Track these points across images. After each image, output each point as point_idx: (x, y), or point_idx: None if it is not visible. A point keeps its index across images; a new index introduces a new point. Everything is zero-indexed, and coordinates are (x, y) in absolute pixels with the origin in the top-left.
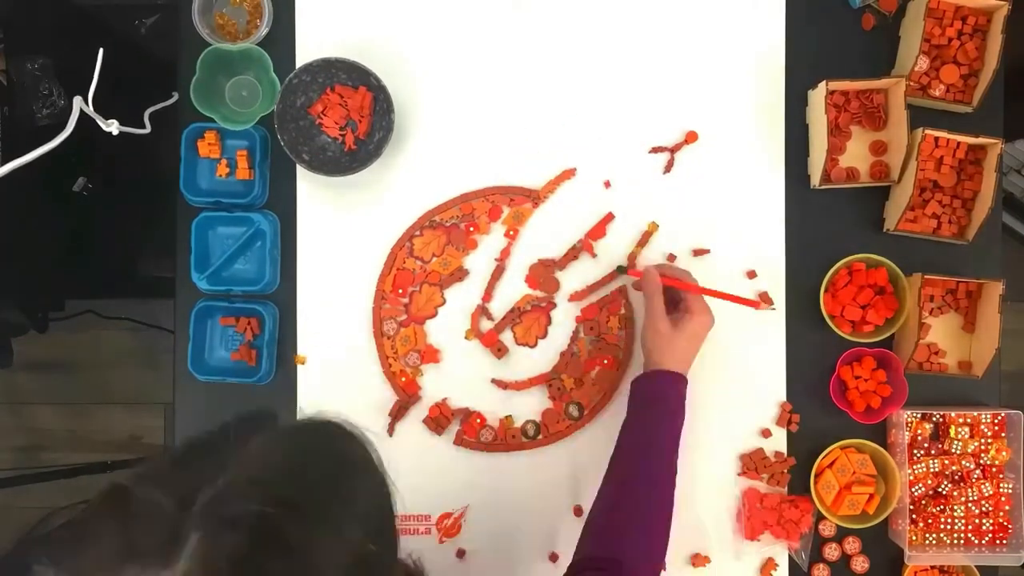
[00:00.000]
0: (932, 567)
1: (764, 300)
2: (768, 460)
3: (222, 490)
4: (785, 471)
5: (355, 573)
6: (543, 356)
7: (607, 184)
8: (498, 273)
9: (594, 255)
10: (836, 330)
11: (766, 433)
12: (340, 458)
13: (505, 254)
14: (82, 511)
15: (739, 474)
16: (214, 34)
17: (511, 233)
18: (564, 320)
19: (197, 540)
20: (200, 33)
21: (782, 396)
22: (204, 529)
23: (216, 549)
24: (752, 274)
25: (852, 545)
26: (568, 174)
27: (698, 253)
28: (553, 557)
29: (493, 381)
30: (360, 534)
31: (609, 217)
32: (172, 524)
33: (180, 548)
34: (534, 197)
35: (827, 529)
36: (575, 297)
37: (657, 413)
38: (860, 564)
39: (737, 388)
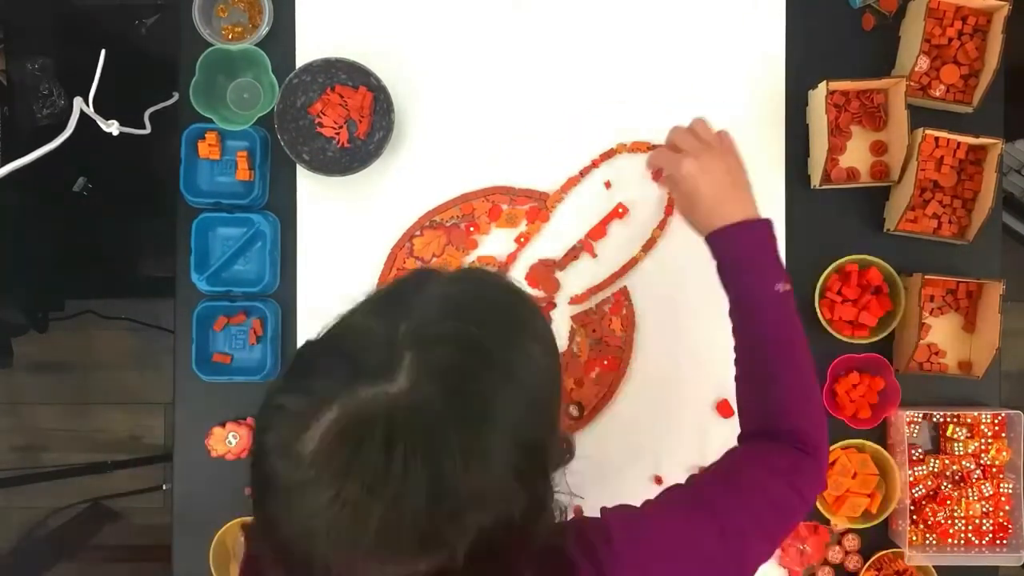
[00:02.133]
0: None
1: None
2: None
3: (421, 318)
4: None
5: (545, 385)
6: None
7: (607, 184)
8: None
9: (594, 255)
10: (835, 333)
11: None
12: (508, 289)
13: (511, 258)
14: (307, 348)
15: None
16: (215, 34)
17: (522, 239)
18: (564, 320)
19: (410, 358)
20: (200, 33)
21: None
22: (415, 349)
23: (429, 362)
24: None
25: (851, 542)
26: (574, 181)
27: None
28: None
29: None
30: (541, 354)
31: (613, 214)
32: (388, 346)
33: (399, 365)
34: (536, 198)
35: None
36: (576, 300)
37: (739, 276)
38: (854, 562)
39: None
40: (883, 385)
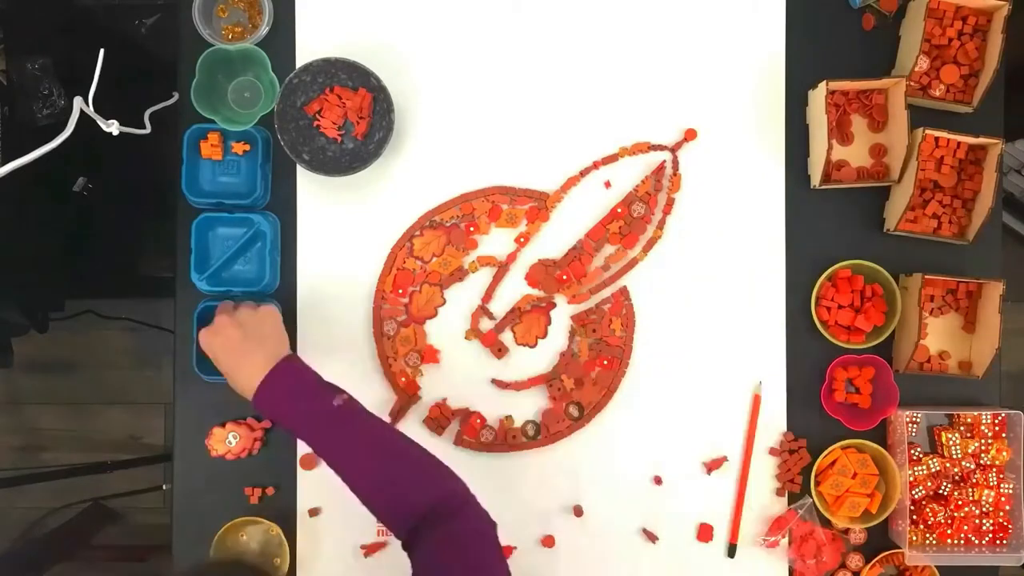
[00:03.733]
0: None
1: None
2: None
3: None
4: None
5: None
6: (543, 356)
7: (607, 184)
8: (500, 274)
9: (593, 255)
10: (831, 339)
11: (773, 452)
12: None
13: (511, 258)
14: None
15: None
16: (215, 34)
17: (522, 240)
18: (564, 320)
19: None
20: (201, 33)
21: (783, 397)
22: None
23: None
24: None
25: (858, 536)
26: (574, 181)
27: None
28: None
29: (493, 381)
30: None
31: (613, 214)
32: None
33: None
34: (536, 198)
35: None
36: (576, 300)
37: (304, 416)
38: (855, 561)
39: (735, 389)
40: (882, 385)
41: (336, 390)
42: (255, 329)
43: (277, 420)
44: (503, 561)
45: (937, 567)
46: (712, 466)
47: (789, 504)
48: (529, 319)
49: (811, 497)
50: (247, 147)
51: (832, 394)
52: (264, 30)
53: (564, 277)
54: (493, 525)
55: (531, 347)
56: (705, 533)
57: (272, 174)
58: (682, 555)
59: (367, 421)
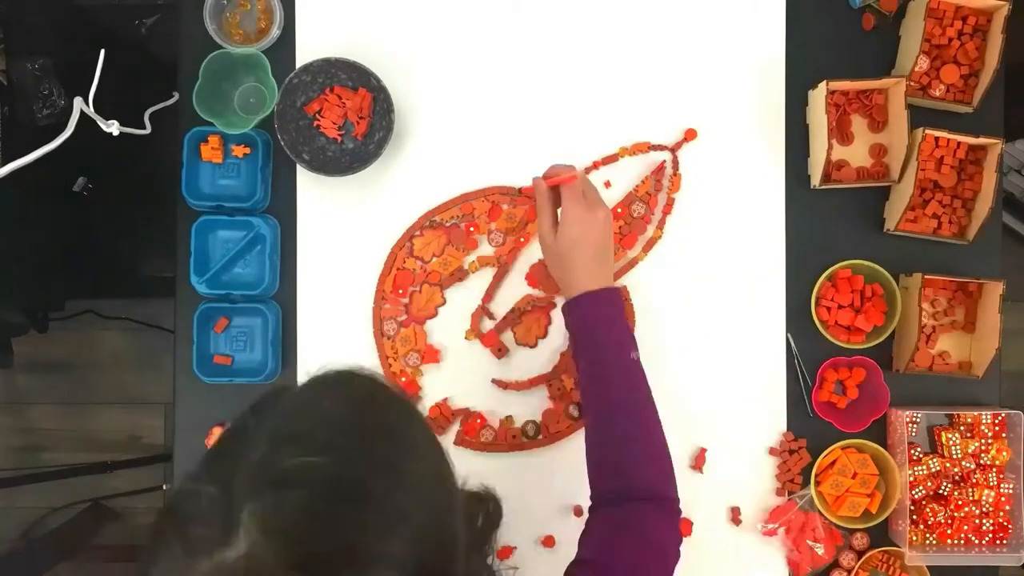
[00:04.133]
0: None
1: None
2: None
3: (258, 462)
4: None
5: (434, 505)
6: (543, 356)
7: (607, 184)
8: (500, 274)
9: None
10: (831, 338)
11: (773, 452)
12: (366, 398)
13: (511, 258)
14: (153, 526)
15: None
16: (227, 38)
17: (522, 240)
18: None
19: (249, 512)
20: (213, 37)
21: (782, 397)
22: (252, 500)
23: (270, 515)
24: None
25: (860, 541)
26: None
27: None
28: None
29: (493, 381)
30: (421, 472)
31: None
32: (222, 508)
33: (236, 525)
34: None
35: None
36: None
37: (597, 343)
38: (848, 560)
39: (735, 389)
40: (873, 387)
41: (635, 345)
42: (612, 246)
43: (576, 328)
44: None
45: (937, 567)
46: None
47: (789, 495)
48: (529, 319)
49: (810, 488)
50: (247, 150)
51: (822, 396)
52: (276, 32)
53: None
54: (677, 554)
55: (531, 347)
56: (687, 528)
57: (272, 176)
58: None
59: (645, 388)
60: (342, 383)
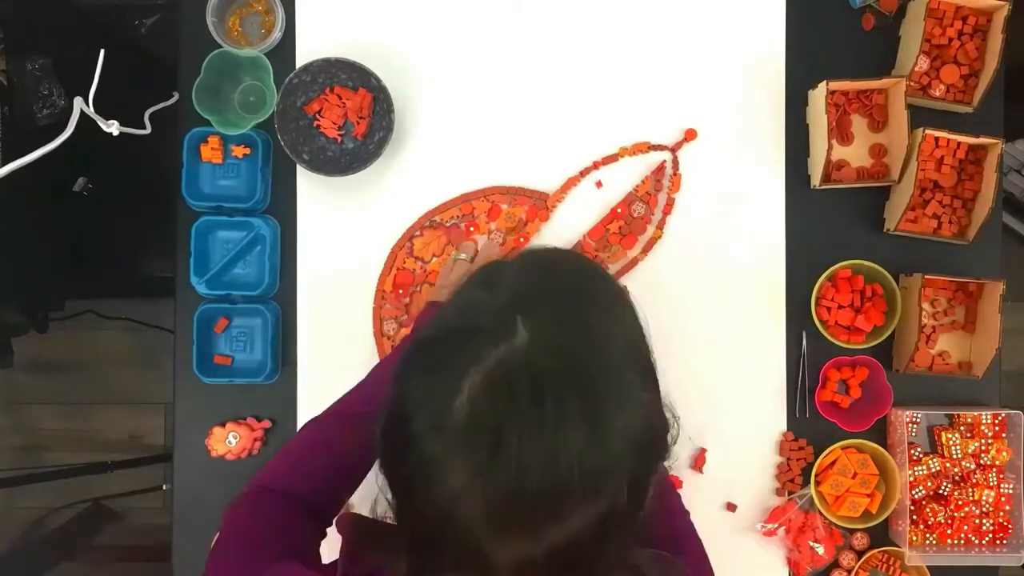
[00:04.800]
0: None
1: None
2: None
3: (515, 286)
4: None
5: (640, 334)
6: None
7: (599, 184)
8: None
9: (594, 255)
10: (832, 339)
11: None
12: (575, 259)
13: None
14: (425, 333)
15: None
16: (227, 38)
17: (521, 240)
18: None
19: (521, 317)
20: (215, 37)
21: (783, 397)
22: (520, 309)
23: (538, 314)
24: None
25: (860, 541)
26: (574, 181)
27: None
28: None
29: None
30: (628, 307)
31: (612, 214)
32: (498, 310)
33: (514, 323)
34: (536, 198)
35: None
36: None
37: None
38: (848, 559)
39: (735, 390)
40: (876, 386)
41: None
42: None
43: None
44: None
45: (937, 567)
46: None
47: (789, 495)
48: None
49: (810, 488)
50: (247, 150)
51: (825, 395)
52: (278, 35)
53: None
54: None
55: None
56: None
57: (272, 176)
58: None
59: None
60: (558, 250)
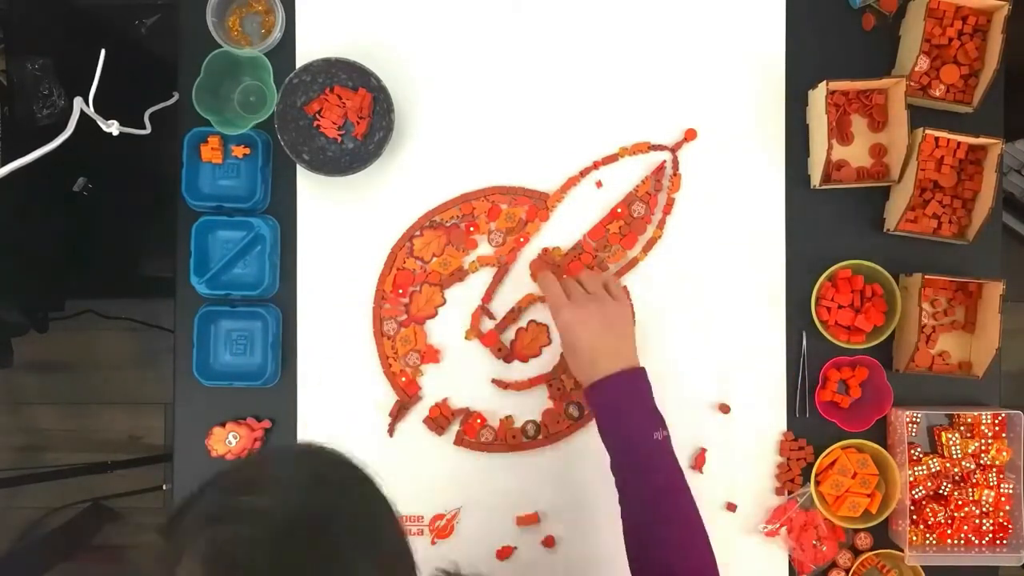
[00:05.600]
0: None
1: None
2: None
3: (203, 506)
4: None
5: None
6: (544, 358)
7: (599, 184)
8: (500, 274)
9: (593, 255)
10: (831, 339)
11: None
12: (317, 460)
13: (511, 258)
14: None
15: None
16: (228, 39)
17: (521, 240)
18: None
19: (188, 552)
20: (215, 37)
21: (783, 397)
22: (193, 539)
23: (209, 550)
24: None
25: (864, 541)
26: (574, 181)
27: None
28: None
29: (493, 381)
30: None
31: (612, 215)
32: (167, 552)
33: (176, 564)
34: (536, 198)
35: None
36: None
37: (616, 429)
38: (845, 559)
39: (735, 389)
40: (876, 386)
41: (662, 423)
42: (619, 322)
43: (597, 412)
44: None
45: (937, 567)
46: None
47: (789, 494)
48: (530, 333)
49: (810, 486)
50: (247, 150)
51: (825, 395)
52: (278, 35)
53: (564, 277)
54: None
55: (536, 357)
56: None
57: (272, 177)
58: None
59: (672, 465)
60: (286, 452)
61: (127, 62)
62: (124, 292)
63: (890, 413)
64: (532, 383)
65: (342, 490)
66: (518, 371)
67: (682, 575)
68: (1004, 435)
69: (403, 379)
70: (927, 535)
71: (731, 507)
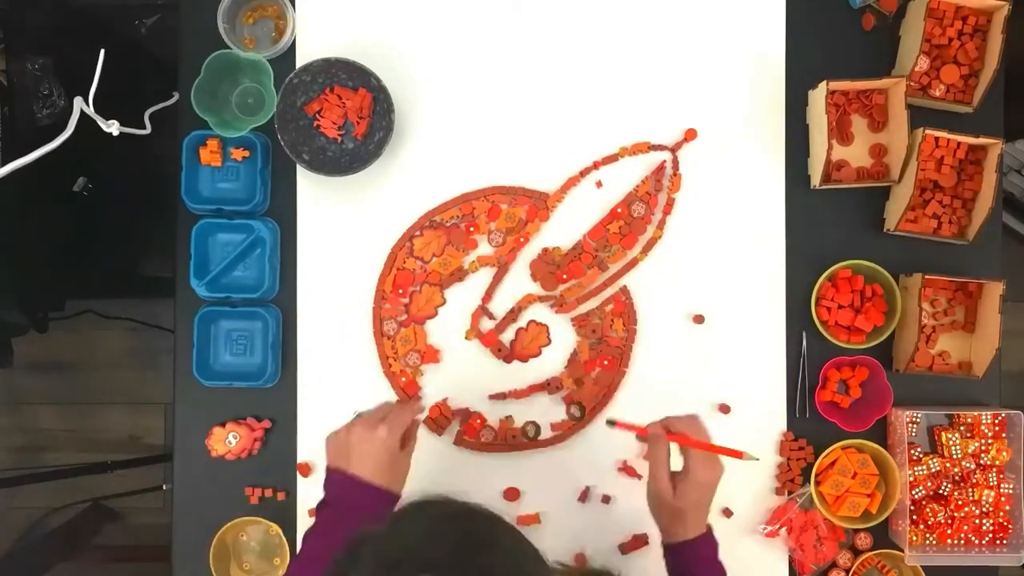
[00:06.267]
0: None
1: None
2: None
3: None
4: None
5: None
6: (546, 359)
7: (599, 184)
8: (500, 274)
9: (594, 255)
10: (831, 339)
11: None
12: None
13: (511, 258)
14: None
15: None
16: (240, 43)
17: (521, 240)
18: (565, 320)
19: None
20: (227, 41)
21: (783, 397)
22: None
23: None
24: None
25: (864, 541)
26: (574, 181)
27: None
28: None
29: (491, 397)
30: None
31: (612, 215)
32: None
33: None
34: (536, 198)
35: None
36: (563, 309)
37: None
38: (845, 559)
39: (735, 389)
40: (876, 386)
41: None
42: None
43: (674, 571)
44: None
45: (937, 567)
46: None
47: (788, 494)
48: (530, 333)
49: (810, 486)
50: (246, 153)
51: (825, 395)
52: (289, 39)
53: (564, 276)
54: None
55: (536, 357)
56: None
57: (272, 179)
58: None
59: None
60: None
61: (127, 62)
62: (124, 292)
63: (890, 413)
64: (531, 391)
65: (499, 550)
66: (516, 379)
67: None
68: (1004, 435)
69: (403, 379)
70: (927, 535)
71: (727, 513)
